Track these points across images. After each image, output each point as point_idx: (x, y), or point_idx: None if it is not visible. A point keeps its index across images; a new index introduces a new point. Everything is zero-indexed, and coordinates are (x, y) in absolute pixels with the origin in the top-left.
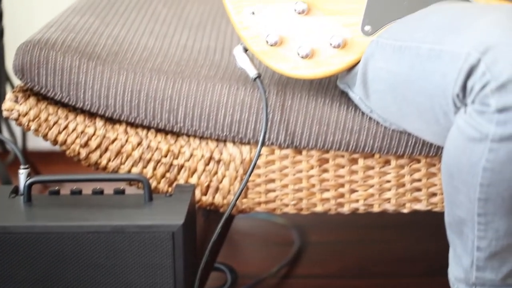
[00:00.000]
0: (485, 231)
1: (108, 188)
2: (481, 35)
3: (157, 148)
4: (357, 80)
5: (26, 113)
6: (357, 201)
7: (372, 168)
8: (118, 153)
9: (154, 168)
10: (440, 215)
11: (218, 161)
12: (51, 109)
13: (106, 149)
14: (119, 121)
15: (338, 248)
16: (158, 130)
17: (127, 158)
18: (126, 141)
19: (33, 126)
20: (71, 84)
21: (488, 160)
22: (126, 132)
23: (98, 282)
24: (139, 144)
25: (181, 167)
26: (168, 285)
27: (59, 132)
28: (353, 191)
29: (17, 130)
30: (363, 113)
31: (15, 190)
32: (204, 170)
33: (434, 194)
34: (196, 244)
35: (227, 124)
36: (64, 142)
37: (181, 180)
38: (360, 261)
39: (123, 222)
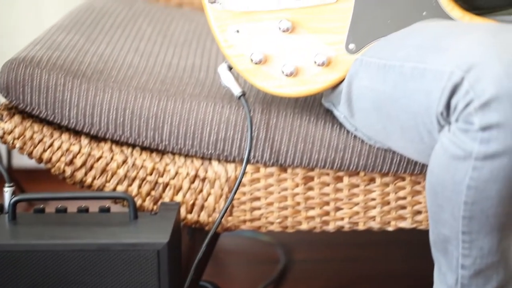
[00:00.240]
0: (469, 249)
1: (93, 206)
2: (464, 53)
3: (142, 166)
4: (341, 99)
5: (11, 131)
6: (342, 219)
7: (357, 186)
8: (103, 171)
9: (139, 186)
10: (425, 233)
11: (203, 179)
12: (36, 127)
13: (91, 167)
14: (104, 139)
15: (324, 266)
16: (143, 148)
17: (112, 176)
18: (111, 159)
19: (18, 144)
20: (56, 102)
21: (472, 178)
22: (111, 150)
23: None
24: (124, 162)
25: (166, 185)
26: None
27: (44, 150)
28: (338, 209)
29: (2, 148)
30: (348, 131)
31: (0, 208)
32: (189, 188)
33: (419, 212)
34: (181, 262)
35: (212, 142)
36: (49, 160)
37: (166, 198)
38: (345, 279)
39: (108, 240)
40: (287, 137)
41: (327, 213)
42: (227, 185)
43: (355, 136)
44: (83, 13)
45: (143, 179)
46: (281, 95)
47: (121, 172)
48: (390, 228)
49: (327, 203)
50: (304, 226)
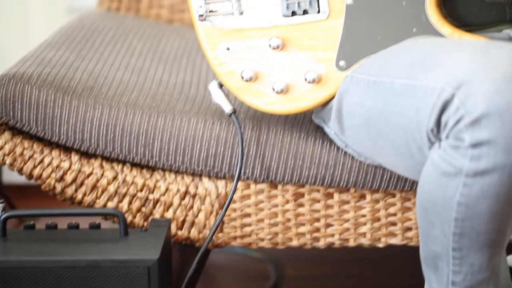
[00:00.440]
0: (460, 266)
1: (84, 223)
2: (454, 70)
3: (132, 183)
4: (332, 115)
5: (1, 147)
6: (332, 235)
7: (348, 202)
8: (94, 187)
9: (130, 203)
10: (416, 249)
11: (194, 196)
12: (26, 143)
13: (82, 184)
14: (94, 155)
15: (314, 282)
16: (134, 165)
17: (102, 192)
18: (102, 175)
19: (8, 160)
20: (47, 119)
21: (462, 195)
22: (101, 166)
23: None
24: (114, 178)
25: (156, 201)
26: None
27: (34, 167)
28: (328, 225)
29: None
30: (338, 148)
31: None
32: (179, 204)
33: (409, 229)
34: (172, 278)
35: (202, 158)
36: (40, 176)
37: (156, 214)
38: None
39: (99, 256)
40: (278, 154)
41: (318, 230)
42: (217, 201)
43: (345, 153)
44: (73, 30)
45: (134, 196)
46: (271, 112)
47: (112, 188)
48: (380, 245)
49: (318, 220)
50: (295, 243)
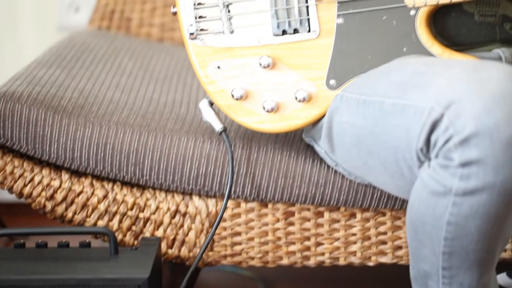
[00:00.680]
0: (450, 285)
1: (74, 241)
2: (444, 89)
3: (123, 201)
4: (322, 134)
5: None
6: (323, 254)
7: (338, 221)
8: (84, 206)
9: (120, 221)
10: (406, 268)
11: (184, 214)
12: (16, 162)
13: (72, 202)
14: (85, 174)
15: None
16: (124, 183)
17: (93, 211)
18: (92, 194)
19: None
20: (37, 137)
21: (452, 214)
22: (92, 185)
23: None
24: (105, 197)
25: (147, 220)
26: None
27: (25, 185)
28: (319, 244)
29: None
30: (328, 167)
31: None
32: (170, 223)
33: (399, 247)
34: None
35: (193, 177)
36: (30, 195)
37: (147, 233)
38: None
39: (89, 275)
40: (268, 173)
41: (308, 248)
42: (207, 220)
43: (335, 172)
44: (64, 48)
45: (124, 214)
46: (262, 131)
47: (102, 207)
48: (370, 263)
49: (308, 238)
50: (285, 261)
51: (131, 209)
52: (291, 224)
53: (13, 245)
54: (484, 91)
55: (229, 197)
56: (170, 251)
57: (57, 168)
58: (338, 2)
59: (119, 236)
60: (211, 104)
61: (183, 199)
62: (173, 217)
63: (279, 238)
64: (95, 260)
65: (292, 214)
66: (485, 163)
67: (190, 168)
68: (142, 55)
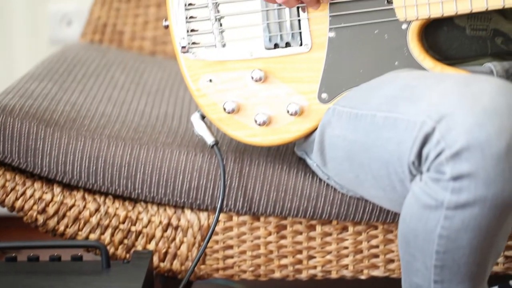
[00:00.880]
0: None
1: (66, 255)
2: (435, 103)
3: (115, 215)
4: (314, 147)
5: None
6: (315, 267)
7: (330, 234)
8: (76, 219)
9: (112, 235)
10: (398, 281)
11: (176, 228)
12: (8, 175)
13: (64, 216)
14: (77, 187)
15: None
16: (116, 197)
17: (84, 224)
18: (84, 207)
19: None
20: (29, 151)
21: (443, 228)
22: (84, 198)
23: None
24: (96, 210)
25: (139, 233)
26: None
27: (17, 199)
28: (311, 257)
29: None
30: (320, 180)
31: None
32: (162, 236)
33: (391, 261)
34: None
35: (185, 190)
36: (22, 208)
37: (139, 246)
38: None
39: None
40: (260, 186)
41: (300, 262)
42: (199, 233)
43: (327, 185)
44: (56, 62)
45: (116, 228)
46: (254, 144)
47: (94, 220)
48: (362, 277)
49: (300, 252)
50: (277, 275)
51: (123, 222)
52: (283, 237)
53: (4, 259)
54: (476, 105)
55: (221, 210)
56: (162, 264)
57: (49, 181)
58: (330, 16)
59: (111, 250)
60: (203, 117)
61: (175, 212)
62: (165, 230)
63: (271, 252)
64: (87, 274)
65: (284, 227)
66: (477, 177)
67: (182, 181)
68: (134, 69)
